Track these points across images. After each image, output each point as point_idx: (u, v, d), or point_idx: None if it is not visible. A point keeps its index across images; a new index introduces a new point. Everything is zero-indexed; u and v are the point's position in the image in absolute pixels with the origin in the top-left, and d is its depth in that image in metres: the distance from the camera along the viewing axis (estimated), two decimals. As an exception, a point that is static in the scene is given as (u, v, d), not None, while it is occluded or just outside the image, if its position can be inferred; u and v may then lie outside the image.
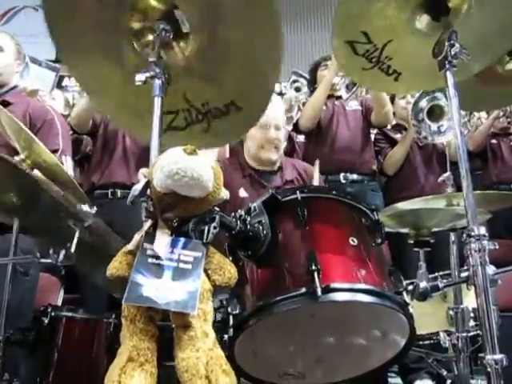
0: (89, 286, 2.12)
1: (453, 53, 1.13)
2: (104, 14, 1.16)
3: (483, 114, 3.12)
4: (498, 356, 0.99)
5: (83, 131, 2.31)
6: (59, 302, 2.08)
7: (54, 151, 1.78)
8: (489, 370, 0.98)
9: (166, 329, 0.86)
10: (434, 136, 2.46)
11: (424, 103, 2.45)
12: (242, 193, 1.91)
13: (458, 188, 1.45)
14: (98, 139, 2.30)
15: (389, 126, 2.84)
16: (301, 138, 2.94)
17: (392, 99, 2.76)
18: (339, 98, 2.81)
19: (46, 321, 1.33)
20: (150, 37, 1.19)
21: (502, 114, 2.98)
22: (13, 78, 2.02)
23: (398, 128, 2.81)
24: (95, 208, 1.20)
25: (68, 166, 1.91)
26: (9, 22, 5.60)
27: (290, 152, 2.83)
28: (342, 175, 2.52)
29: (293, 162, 2.21)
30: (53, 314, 1.34)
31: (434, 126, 2.45)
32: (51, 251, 1.09)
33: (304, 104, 2.94)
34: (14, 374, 1.45)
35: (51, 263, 1.11)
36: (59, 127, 1.94)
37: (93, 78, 1.29)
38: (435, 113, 2.45)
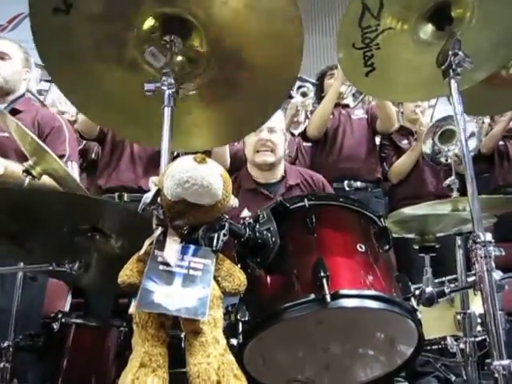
0: (95, 291, 2.13)
1: (456, 61, 1.14)
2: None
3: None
4: (506, 361, 0.98)
5: (90, 137, 2.34)
6: (67, 308, 2.10)
7: (61, 157, 1.81)
8: (496, 375, 0.98)
9: (172, 336, 0.86)
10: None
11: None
12: (245, 213, 1.86)
13: (463, 192, 1.45)
14: (107, 145, 2.32)
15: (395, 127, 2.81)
16: (307, 144, 2.95)
17: None
18: (346, 106, 2.83)
19: (56, 327, 1.33)
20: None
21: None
22: (20, 85, 2.06)
23: (404, 132, 2.78)
24: None
25: (74, 171, 1.94)
26: (16, 28, 5.65)
27: (295, 159, 2.84)
28: (346, 183, 2.55)
29: (297, 169, 2.21)
30: (63, 320, 1.33)
31: (443, 149, 2.41)
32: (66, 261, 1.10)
33: (311, 111, 2.96)
34: (23, 380, 1.46)
35: (66, 272, 1.11)
36: (67, 134, 1.98)
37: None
38: (445, 135, 2.42)
